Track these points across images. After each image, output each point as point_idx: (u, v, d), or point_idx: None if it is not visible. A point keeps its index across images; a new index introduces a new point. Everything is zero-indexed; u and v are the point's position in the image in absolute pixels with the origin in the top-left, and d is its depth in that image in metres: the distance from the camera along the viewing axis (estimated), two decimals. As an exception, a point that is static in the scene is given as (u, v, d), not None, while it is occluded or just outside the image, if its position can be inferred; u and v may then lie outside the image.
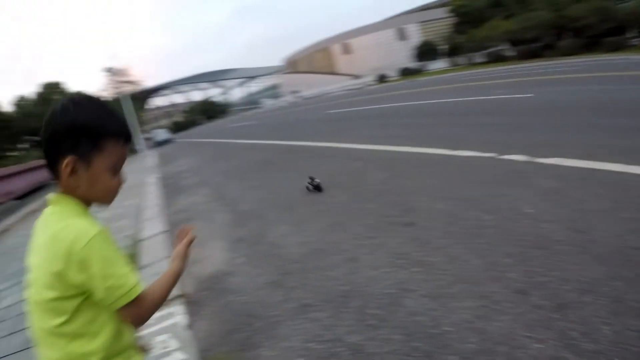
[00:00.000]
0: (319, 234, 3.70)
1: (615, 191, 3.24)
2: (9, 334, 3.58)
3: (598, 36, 35.87)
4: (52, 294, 1.02)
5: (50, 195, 1.10)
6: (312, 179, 5.14)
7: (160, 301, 1.14)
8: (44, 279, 1.03)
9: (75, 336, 1.06)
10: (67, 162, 1.04)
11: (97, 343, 1.07)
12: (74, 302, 1.04)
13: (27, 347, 3.22)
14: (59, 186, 1.10)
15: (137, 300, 1.04)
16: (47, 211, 1.09)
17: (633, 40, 34.75)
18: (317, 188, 5.04)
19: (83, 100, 1.10)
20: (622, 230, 2.62)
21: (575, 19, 37.57)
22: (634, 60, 19.62)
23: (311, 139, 10.39)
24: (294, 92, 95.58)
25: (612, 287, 2.09)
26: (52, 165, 1.08)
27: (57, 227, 1.03)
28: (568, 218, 2.93)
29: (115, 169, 1.15)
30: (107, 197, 1.18)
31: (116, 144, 1.12)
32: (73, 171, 1.06)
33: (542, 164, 4.25)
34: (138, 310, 1.06)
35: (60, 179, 1.08)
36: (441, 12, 77.53)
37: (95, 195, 1.15)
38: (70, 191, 1.10)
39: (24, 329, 3.58)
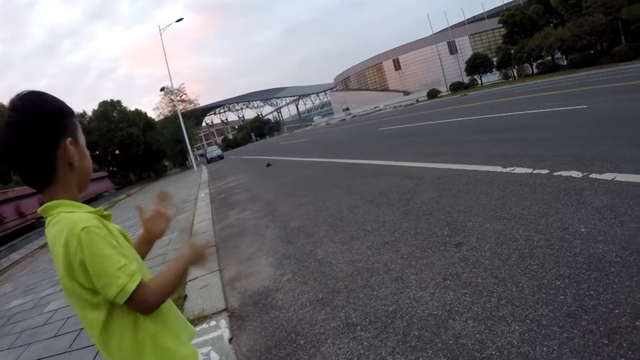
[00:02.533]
0: (367, 253, 3.71)
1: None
2: (54, 336, 3.78)
3: None
4: (74, 304, 1.09)
5: (43, 207, 1.13)
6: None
7: (168, 291, 1.17)
8: (66, 291, 1.09)
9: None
10: (68, 143, 1.12)
11: None
12: (99, 314, 1.07)
13: (68, 350, 3.40)
14: (48, 190, 1.13)
15: (136, 294, 1.04)
16: (47, 222, 1.11)
17: None
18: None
19: (33, 95, 1.12)
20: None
21: (630, 21, 35.83)
22: None
23: (362, 156, 10.42)
24: (345, 109, 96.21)
25: None
26: (45, 163, 1.10)
27: (52, 235, 1.07)
28: (622, 238, 2.80)
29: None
30: (91, 170, 1.26)
31: (75, 118, 1.20)
32: (73, 153, 1.13)
33: (596, 179, 4.08)
34: (139, 304, 1.07)
35: (56, 175, 1.12)
36: (491, 24, 76.26)
37: (87, 170, 1.22)
38: (67, 182, 1.14)
39: (67, 333, 3.79)
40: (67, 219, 1.05)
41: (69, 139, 1.12)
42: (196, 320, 3.21)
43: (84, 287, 1.03)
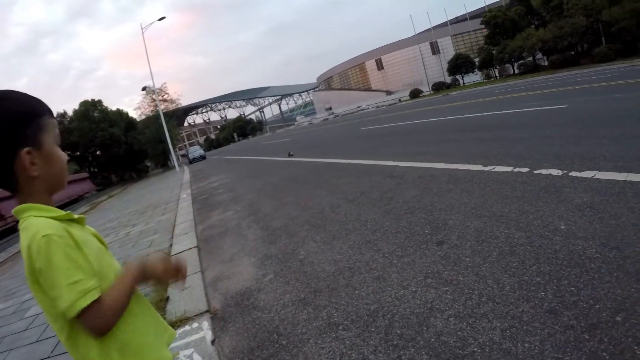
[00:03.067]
0: (348, 252, 3.69)
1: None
2: (35, 342, 3.70)
3: (634, 40, 34.79)
4: (43, 310, 1.05)
5: (14, 210, 1.09)
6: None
7: (120, 310, 1.08)
8: (35, 296, 1.04)
9: None
10: (25, 153, 1.04)
11: None
12: (63, 322, 1.03)
13: (50, 356, 3.33)
14: (18, 194, 1.09)
15: (85, 314, 0.99)
16: (19, 225, 1.07)
17: None
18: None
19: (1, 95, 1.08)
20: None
21: (610, 23, 36.55)
22: None
23: (344, 156, 10.43)
24: (327, 109, 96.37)
25: None
26: (3, 173, 1.06)
27: (21, 239, 1.03)
28: (602, 234, 2.83)
29: (58, 142, 1.16)
30: (64, 173, 1.18)
31: (50, 118, 1.14)
32: (33, 162, 1.06)
33: (576, 177, 4.13)
34: (87, 326, 1.01)
35: (18, 184, 1.07)
36: (473, 24, 77.12)
37: (56, 174, 1.14)
38: (31, 190, 1.09)
39: (49, 338, 3.70)
40: (33, 225, 1.01)
41: (25, 149, 1.05)
42: (178, 322, 3.17)
43: (47, 294, 1.00)
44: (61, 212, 1.11)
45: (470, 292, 2.50)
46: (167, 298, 3.73)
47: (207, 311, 3.30)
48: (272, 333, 2.70)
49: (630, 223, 2.89)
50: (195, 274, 4.22)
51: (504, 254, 2.88)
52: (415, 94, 61.29)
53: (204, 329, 2.99)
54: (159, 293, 3.85)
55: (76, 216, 1.17)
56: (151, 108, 43.97)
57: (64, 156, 1.17)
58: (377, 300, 2.70)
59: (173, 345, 2.78)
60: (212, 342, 2.79)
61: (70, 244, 1.02)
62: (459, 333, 2.14)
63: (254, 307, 3.17)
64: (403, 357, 2.08)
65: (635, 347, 1.77)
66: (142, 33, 34.00)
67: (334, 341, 2.39)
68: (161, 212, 9.50)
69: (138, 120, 45.93)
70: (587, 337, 1.90)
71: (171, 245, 5.64)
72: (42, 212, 1.07)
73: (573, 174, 4.25)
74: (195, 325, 3.09)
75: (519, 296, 2.33)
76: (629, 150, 4.69)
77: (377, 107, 59.00)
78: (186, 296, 3.68)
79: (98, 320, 1.01)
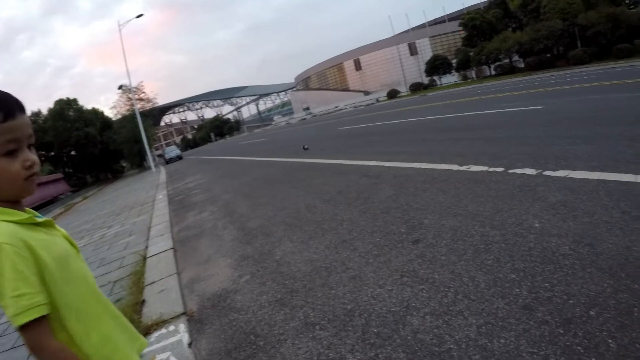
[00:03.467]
0: (324, 252, 3.68)
1: (624, 202, 3.18)
2: (11, 348, 3.60)
3: (609, 43, 35.66)
4: None
5: None
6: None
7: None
8: None
9: None
10: None
11: None
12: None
13: None
14: None
15: (26, 330, 0.94)
16: None
17: None
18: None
19: None
20: (630, 242, 2.57)
21: (586, 27, 37.43)
22: None
23: (321, 156, 10.42)
24: (305, 109, 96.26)
25: (619, 301, 2.05)
26: None
27: None
28: (575, 231, 2.88)
29: (10, 151, 1.02)
30: (16, 186, 1.04)
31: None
32: None
33: (550, 176, 4.20)
34: (26, 342, 0.96)
35: None
36: (452, 26, 78.02)
37: (3, 188, 1.03)
38: None
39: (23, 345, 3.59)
40: None
41: None
42: (154, 326, 3.11)
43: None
44: (24, 216, 1.05)
45: (445, 289, 2.51)
46: (143, 301, 3.67)
47: (184, 313, 3.24)
48: (249, 334, 2.66)
49: (603, 221, 2.94)
50: (171, 276, 4.15)
51: (479, 252, 2.90)
52: (392, 94, 61.63)
53: (181, 332, 2.94)
54: (134, 296, 3.78)
55: (41, 219, 1.11)
56: (127, 107, 43.11)
57: (14, 169, 1.03)
58: (354, 299, 2.69)
59: (149, 348, 2.74)
60: (189, 344, 2.75)
61: (22, 254, 0.96)
62: (435, 330, 2.15)
63: (230, 309, 3.13)
64: (380, 356, 2.07)
65: (610, 341, 1.80)
66: (119, 30, 33.43)
67: (311, 341, 2.37)
68: (137, 214, 9.36)
69: (114, 119, 45.13)
70: (562, 331, 1.93)
71: (147, 247, 5.55)
72: (2, 216, 1.01)
73: (547, 173, 4.32)
74: (171, 328, 3.03)
75: (494, 293, 2.35)
76: (602, 150, 4.79)
77: (355, 107, 59.15)
78: (162, 299, 3.62)
79: (32, 342, 0.96)
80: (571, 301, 2.12)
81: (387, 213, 4.29)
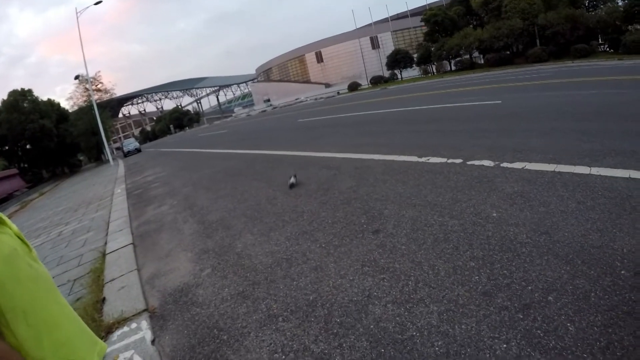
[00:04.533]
0: (285, 243, 3.66)
1: (579, 193, 3.30)
2: None
3: (567, 43, 36.93)
4: None
5: None
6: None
7: None
8: None
9: None
10: None
11: None
12: None
13: None
14: None
15: None
16: None
17: (600, 46, 35.89)
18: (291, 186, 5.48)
19: None
20: (585, 230, 2.67)
21: (545, 27, 38.63)
22: (599, 66, 20.21)
23: (281, 147, 10.37)
24: (266, 100, 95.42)
25: (575, 286, 2.13)
26: None
27: None
28: (532, 220, 2.97)
29: None
30: None
31: None
32: None
33: (508, 168, 4.32)
34: None
35: None
36: (414, 22, 78.84)
37: None
38: None
39: None
40: None
41: None
42: (116, 324, 3.01)
43: None
44: None
45: (406, 278, 2.55)
46: (104, 299, 3.55)
47: (146, 310, 3.16)
48: (212, 328, 2.62)
49: (559, 210, 3.05)
50: (131, 272, 4.03)
51: (438, 241, 2.96)
52: (353, 87, 61.82)
53: (143, 329, 2.86)
54: (94, 294, 3.66)
55: None
56: (84, 98, 41.50)
57: None
58: (316, 290, 2.69)
59: (112, 347, 2.66)
60: (152, 342, 2.68)
61: None
62: (397, 318, 2.17)
63: (192, 303, 3.07)
64: (344, 345, 2.08)
65: (568, 324, 1.87)
66: (77, 17, 32.07)
67: (274, 333, 2.35)
68: (95, 209, 9.06)
69: (70, 111, 43.38)
70: (522, 316, 1.99)
71: (106, 244, 5.38)
72: None
73: (505, 165, 4.44)
74: (133, 325, 2.95)
75: (454, 281, 2.40)
76: (557, 144, 4.97)
77: (316, 99, 59.02)
78: (123, 296, 3.51)
79: None
80: (529, 287, 2.19)
81: (347, 204, 4.32)
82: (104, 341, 2.61)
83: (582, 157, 4.21)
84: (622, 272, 2.18)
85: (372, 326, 2.17)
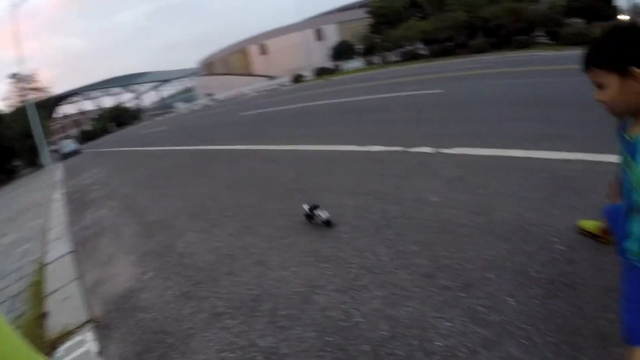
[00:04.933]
0: (228, 240, 3.60)
1: (516, 175, 3.43)
2: None
3: (508, 35, 38.38)
4: None
5: None
6: (313, 208, 3.41)
7: None
8: None
9: None
10: None
11: None
12: None
13: None
14: None
15: None
16: None
17: (540, 38, 37.57)
18: (327, 223, 3.28)
19: None
20: (522, 209, 2.78)
21: (488, 19, 39.98)
22: (538, 56, 21.08)
23: (224, 142, 10.16)
24: (209, 94, 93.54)
25: (515, 262, 2.22)
26: None
27: None
28: (471, 203, 3.06)
29: None
30: None
31: None
32: None
33: (448, 154, 4.43)
34: None
35: None
36: (359, 13, 79.29)
37: None
38: None
39: None
40: None
41: None
42: (60, 338, 2.84)
43: None
44: None
45: (349, 266, 2.57)
46: (45, 313, 3.35)
47: (90, 321, 3.02)
48: (158, 333, 2.53)
49: (497, 192, 3.17)
50: (73, 281, 3.83)
51: (380, 228, 3.00)
52: (297, 79, 61.66)
53: (88, 341, 2.72)
54: (36, 309, 3.46)
55: None
56: (21, 98, 39.12)
57: None
58: (259, 284, 2.67)
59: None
60: (98, 353, 2.56)
61: None
62: (342, 306, 2.19)
63: (136, 309, 2.95)
64: (291, 337, 2.07)
65: (509, 299, 1.95)
66: (12, 11, 30.05)
67: (220, 331, 2.30)
68: (33, 217, 8.58)
69: (8, 112, 40.68)
70: (464, 295, 2.06)
71: (45, 253, 5.10)
72: None
73: (444, 150, 4.56)
74: (78, 338, 2.80)
75: (396, 265, 2.44)
76: (496, 129, 5.16)
77: (259, 92, 58.43)
78: (66, 308, 3.33)
79: None
80: (470, 266, 2.26)
81: (289, 196, 4.31)
82: (50, 357, 2.49)
83: (519, 141, 4.37)
84: (559, 246, 2.28)
85: (317, 316, 2.17)
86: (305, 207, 3.43)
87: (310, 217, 3.39)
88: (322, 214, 3.29)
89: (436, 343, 1.82)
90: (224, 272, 3.00)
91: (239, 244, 3.43)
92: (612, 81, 1.29)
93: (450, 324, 1.89)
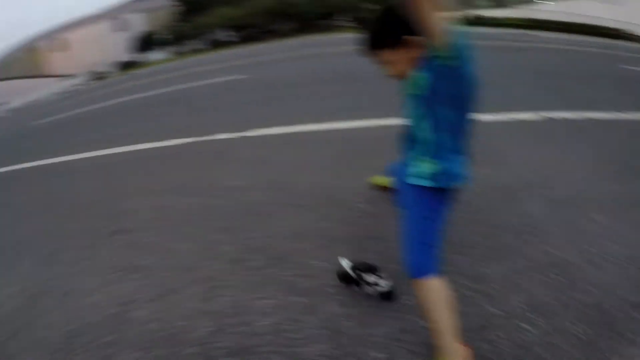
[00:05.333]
0: (29, 276, 2.91)
1: (313, 148, 3.71)
2: None
3: (313, 20, 40.97)
4: None
5: None
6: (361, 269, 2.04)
7: None
8: None
9: None
10: None
11: None
12: None
13: None
14: None
15: None
16: None
17: (339, 22, 40.90)
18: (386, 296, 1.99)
19: None
20: (324, 179, 3.03)
21: (294, 5, 41.94)
22: (336, 39, 22.65)
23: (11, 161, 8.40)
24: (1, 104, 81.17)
25: (321, 228, 2.40)
26: None
27: None
28: (274, 180, 3.24)
29: None
30: None
31: None
32: None
33: (248, 137, 4.56)
34: None
35: None
36: (166, 1, 75.30)
37: None
38: None
39: None
40: None
41: None
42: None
43: None
44: None
45: (159, 271, 2.50)
46: None
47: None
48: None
49: (298, 166, 3.49)
50: None
51: (181, 223, 2.99)
52: (98, 75, 56.69)
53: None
54: None
55: None
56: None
57: None
58: (69, 319, 2.29)
59: None
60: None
61: None
62: (160, 315, 2.13)
63: None
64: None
65: (314, 262, 2.19)
66: None
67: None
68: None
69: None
70: (277, 269, 2.23)
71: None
72: None
73: (247, 134, 4.67)
74: None
75: (205, 257, 2.49)
76: (296, 108, 5.52)
77: (58, 94, 52.30)
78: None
79: None
80: (278, 242, 2.43)
81: (89, 209, 3.79)
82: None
83: (319, 116, 4.70)
84: (360, 205, 2.52)
85: (139, 331, 2.06)
86: (345, 263, 2.06)
87: (353, 280, 2.03)
88: (380, 281, 1.98)
89: (261, 323, 1.91)
90: (27, 318, 2.46)
91: (41, 277, 2.84)
92: (397, 56, 1.48)
93: (270, 301, 2.01)
